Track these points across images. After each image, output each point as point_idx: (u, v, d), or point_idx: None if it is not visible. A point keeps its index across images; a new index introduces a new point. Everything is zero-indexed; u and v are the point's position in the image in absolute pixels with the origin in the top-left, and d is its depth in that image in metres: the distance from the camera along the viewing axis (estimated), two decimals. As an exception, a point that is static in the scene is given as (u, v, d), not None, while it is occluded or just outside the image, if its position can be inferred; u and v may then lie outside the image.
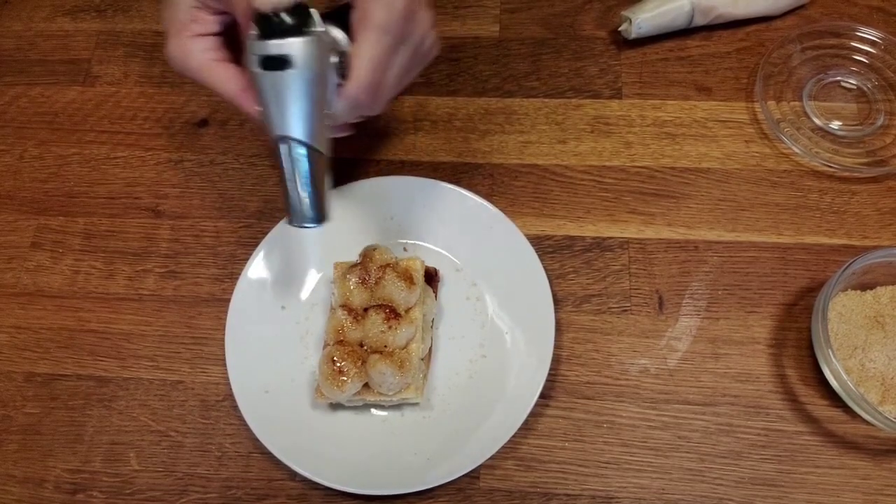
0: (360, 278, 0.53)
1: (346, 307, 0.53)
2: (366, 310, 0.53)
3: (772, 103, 0.64)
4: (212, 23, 0.50)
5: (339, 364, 0.50)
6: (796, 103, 0.65)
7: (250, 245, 0.59)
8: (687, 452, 0.53)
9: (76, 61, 0.71)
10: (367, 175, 0.63)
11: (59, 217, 0.63)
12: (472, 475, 0.52)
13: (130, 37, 0.72)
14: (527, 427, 0.50)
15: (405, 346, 0.52)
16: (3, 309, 0.60)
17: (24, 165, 0.66)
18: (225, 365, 0.54)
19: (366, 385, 0.51)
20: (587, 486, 0.52)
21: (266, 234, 0.58)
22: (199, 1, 0.49)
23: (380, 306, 0.52)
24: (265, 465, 0.54)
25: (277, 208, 0.62)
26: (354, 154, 0.65)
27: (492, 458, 0.50)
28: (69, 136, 0.67)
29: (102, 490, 0.53)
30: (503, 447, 0.50)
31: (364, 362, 0.51)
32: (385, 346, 0.51)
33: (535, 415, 0.51)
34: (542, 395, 0.52)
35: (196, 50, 0.49)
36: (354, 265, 0.54)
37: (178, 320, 0.59)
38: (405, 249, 0.59)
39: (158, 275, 0.61)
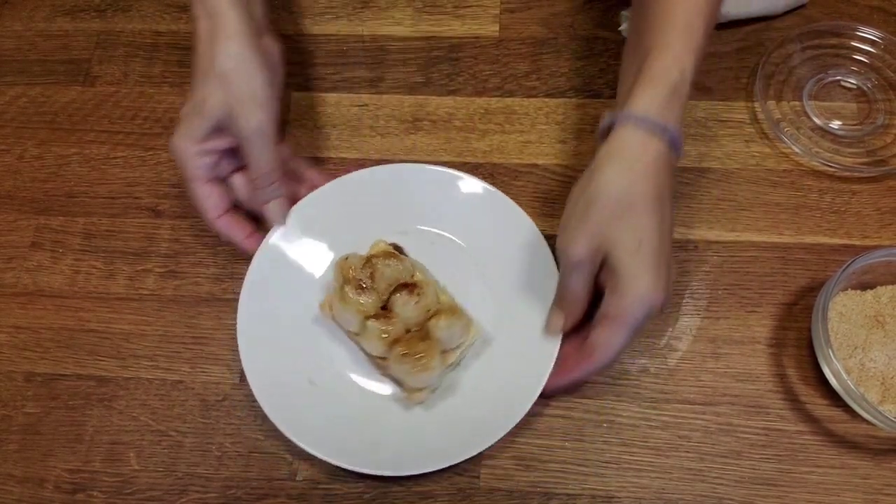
0: (357, 289, 0.53)
1: (376, 317, 0.52)
2: (384, 307, 0.53)
3: (772, 103, 0.64)
4: (219, 151, 0.55)
5: (413, 354, 0.50)
6: (796, 103, 0.65)
7: (250, 245, 0.59)
8: (687, 452, 0.53)
9: (76, 61, 0.71)
10: (367, 175, 0.63)
11: (59, 217, 0.63)
12: (473, 475, 0.52)
13: (130, 37, 0.72)
14: (527, 426, 0.50)
15: (439, 301, 0.53)
16: (3, 309, 0.60)
17: (24, 165, 0.66)
18: (225, 364, 0.54)
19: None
20: (587, 485, 0.52)
21: (266, 233, 0.58)
22: (208, 133, 0.53)
23: (395, 289, 0.53)
24: (265, 464, 0.54)
25: (277, 208, 0.62)
26: (356, 154, 0.65)
27: (492, 457, 0.50)
28: (69, 136, 0.67)
29: (102, 490, 0.53)
30: (503, 446, 0.50)
31: (428, 336, 0.52)
32: (429, 311, 0.52)
33: (535, 414, 0.51)
34: (543, 395, 0.52)
35: (197, 161, 0.54)
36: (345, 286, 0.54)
37: (178, 320, 0.59)
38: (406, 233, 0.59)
39: (158, 275, 0.60)
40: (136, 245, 0.62)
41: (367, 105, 0.67)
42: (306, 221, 0.58)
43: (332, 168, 0.64)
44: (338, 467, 0.51)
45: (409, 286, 0.53)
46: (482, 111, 0.66)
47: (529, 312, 0.54)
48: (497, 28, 0.70)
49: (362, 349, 0.54)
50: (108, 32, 0.72)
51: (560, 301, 0.52)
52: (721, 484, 0.52)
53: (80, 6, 0.74)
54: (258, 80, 0.53)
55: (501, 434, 0.50)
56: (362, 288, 0.53)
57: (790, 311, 0.57)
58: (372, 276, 0.53)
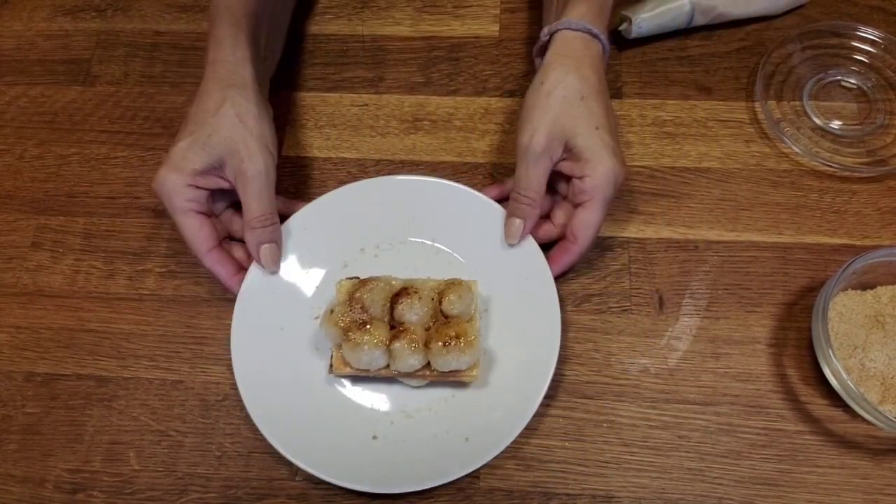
0: (360, 328, 0.51)
1: (395, 337, 0.51)
2: (392, 327, 0.52)
3: (772, 103, 0.64)
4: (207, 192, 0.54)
5: (451, 341, 0.50)
6: (796, 103, 0.65)
7: (250, 245, 0.59)
8: (687, 452, 0.53)
9: (76, 61, 0.71)
10: (366, 175, 0.63)
11: (59, 217, 0.63)
12: (473, 475, 0.52)
13: (130, 37, 0.72)
14: (527, 427, 0.50)
15: (430, 287, 0.54)
16: (3, 309, 0.60)
17: (24, 165, 0.66)
18: (225, 364, 0.54)
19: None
20: (587, 485, 0.52)
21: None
22: (207, 168, 0.53)
23: (392, 304, 0.52)
24: (265, 464, 0.54)
25: (277, 208, 0.62)
26: (355, 154, 0.65)
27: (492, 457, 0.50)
28: (69, 136, 0.67)
29: (102, 490, 0.53)
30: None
31: (448, 318, 0.52)
32: (432, 300, 0.53)
33: (535, 414, 0.51)
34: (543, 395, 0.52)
35: (184, 194, 0.53)
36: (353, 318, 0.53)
37: (178, 320, 0.59)
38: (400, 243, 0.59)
39: (158, 274, 0.60)
40: (136, 245, 0.62)
41: (367, 105, 0.67)
42: (299, 236, 0.58)
43: (332, 168, 0.64)
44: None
45: (401, 293, 0.52)
46: (482, 111, 0.66)
47: (529, 326, 0.54)
48: (497, 28, 0.70)
49: (398, 376, 0.53)
50: (108, 32, 0.72)
51: (519, 199, 0.54)
52: (721, 484, 0.52)
53: (80, 6, 0.74)
54: (266, 126, 0.55)
55: (498, 451, 0.50)
56: (365, 324, 0.51)
57: (790, 311, 0.57)
58: (364, 309, 0.52)
